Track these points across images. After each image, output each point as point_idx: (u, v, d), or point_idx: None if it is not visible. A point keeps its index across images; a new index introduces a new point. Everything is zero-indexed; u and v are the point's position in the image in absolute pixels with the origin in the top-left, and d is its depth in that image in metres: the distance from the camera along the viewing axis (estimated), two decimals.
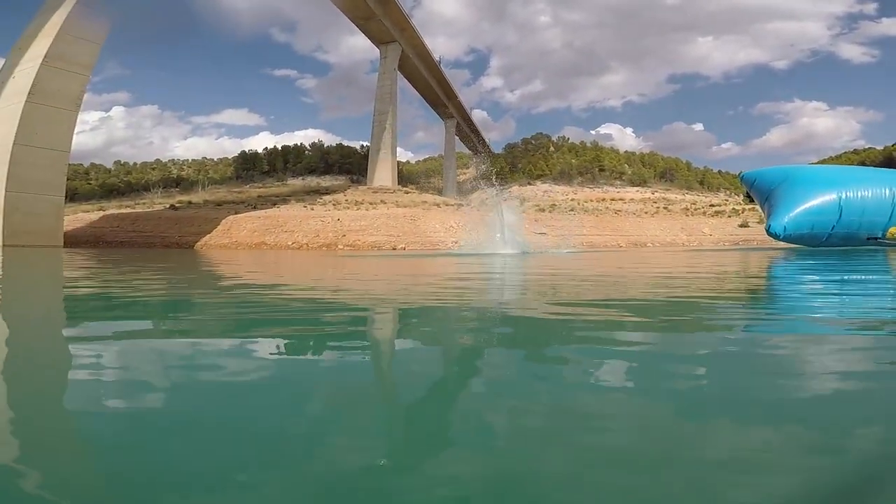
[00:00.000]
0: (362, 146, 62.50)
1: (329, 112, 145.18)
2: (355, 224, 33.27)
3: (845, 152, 65.82)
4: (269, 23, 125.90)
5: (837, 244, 8.76)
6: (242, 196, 44.64)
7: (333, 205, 38.58)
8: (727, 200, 40.78)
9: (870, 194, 8.79)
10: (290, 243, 29.89)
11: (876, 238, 8.64)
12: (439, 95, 60.57)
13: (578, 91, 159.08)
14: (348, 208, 37.50)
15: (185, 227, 34.14)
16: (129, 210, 40.93)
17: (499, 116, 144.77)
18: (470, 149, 77.16)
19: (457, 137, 69.85)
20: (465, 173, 74.06)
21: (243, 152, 66.19)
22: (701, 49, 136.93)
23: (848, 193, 8.85)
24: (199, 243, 31.17)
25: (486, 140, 78.14)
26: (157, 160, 71.47)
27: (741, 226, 34.02)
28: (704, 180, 51.37)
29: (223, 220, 34.51)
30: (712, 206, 40.08)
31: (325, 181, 55.04)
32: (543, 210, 43.20)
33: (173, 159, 73.90)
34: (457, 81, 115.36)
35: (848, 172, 10.96)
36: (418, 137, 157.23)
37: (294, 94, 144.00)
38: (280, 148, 65.10)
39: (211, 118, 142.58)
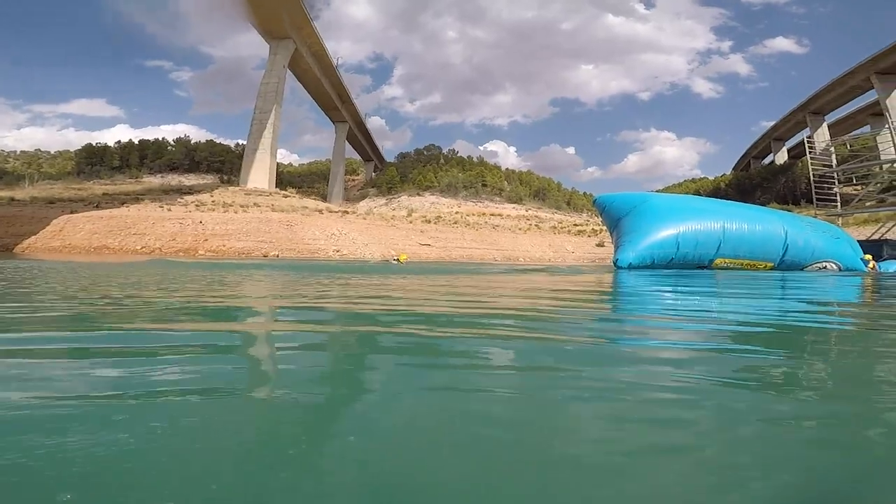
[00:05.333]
0: (238, 144, 59.85)
1: (204, 107, 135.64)
2: (221, 228, 32.10)
3: (685, 181, 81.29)
4: (147, 10, 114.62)
5: (675, 268, 10.80)
6: (83, 193, 40.00)
7: (196, 206, 36.63)
8: (588, 221, 47.44)
9: (702, 228, 10.88)
10: (139, 248, 27.89)
11: (703, 267, 10.97)
12: (332, 99, 60.54)
13: (473, 107, 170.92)
14: (214, 210, 35.92)
15: (3, 226, 29.80)
16: None
17: (396, 126, 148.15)
18: (361, 155, 77.78)
19: (348, 143, 70.13)
20: (353, 180, 74.54)
21: (89, 145, 59.34)
22: (582, 76, 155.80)
23: (684, 228, 10.79)
24: (20, 246, 27.52)
25: (380, 148, 79.66)
26: None
27: (598, 245, 40.03)
28: (571, 201, 58.69)
29: (55, 220, 30.80)
30: (576, 225, 46.38)
31: (190, 180, 51.63)
32: (429, 221, 45.82)
33: None
34: (356, 87, 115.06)
35: (685, 205, 12.51)
36: (306, 140, 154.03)
37: (165, 86, 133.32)
38: (137, 142, 59.41)
39: (58, 108, 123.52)
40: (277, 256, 28.84)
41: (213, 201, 38.39)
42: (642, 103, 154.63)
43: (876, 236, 19.23)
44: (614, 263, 10.81)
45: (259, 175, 46.15)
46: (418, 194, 55.65)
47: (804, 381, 1.41)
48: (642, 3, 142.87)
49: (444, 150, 68.80)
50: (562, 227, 46.24)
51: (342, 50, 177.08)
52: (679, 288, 5.71)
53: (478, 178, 56.76)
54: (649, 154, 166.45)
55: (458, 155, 66.16)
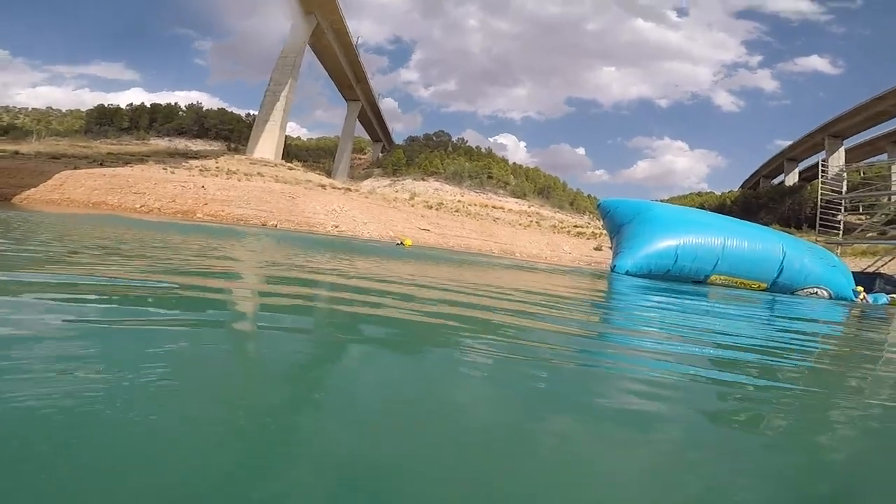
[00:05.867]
0: (248, 115, 59.96)
1: (220, 76, 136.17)
2: (222, 194, 32.47)
3: (691, 193, 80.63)
4: None
5: (671, 280, 10.71)
6: (88, 151, 40.35)
7: (200, 170, 36.96)
8: (589, 224, 47.43)
9: (703, 242, 10.82)
10: (137, 206, 28.30)
11: (699, 282, 10.93)
12: (348, 77, 60.62)
13: (487, 98, 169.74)
14: (217, 176, 36.28)
15: (3, 177, 30.25)
16: None
17: (408, 109, 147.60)
18: (370, 135, 77.75)
19: (358, 122, 70.21)
20: (360, 159, 74.67)
21: (100, 105, 59.77)
22: (603, 77, 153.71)
23: (684, 241, 10.73)
24: (18, 197, 27.98)
25: (391, 130, 79.65)
26: None
27: (595, 248, 40.11)
28: (575, 202, 58.64)
29: (56, 175, 31.19)
30: (576, 226, 46.38)
31: (197, 145, 51.92)
32: (431, 207, 46.01)
33: (7, 107, 63.94)
34: (373, 67, 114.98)
35: (689, 218, 12.36)
36: (317, 115, 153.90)
37: (186, 54, 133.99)
38: (149, 105, 59.64)
39: (76, 69, 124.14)
40: (276, 226, 29.23)
41: (217, 167, 38.72)
42: (660, 110, 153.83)
43: (871, 269, 19.05)
44: (612, 269, 10.82)
45: (266, 146, 46.48)
46: (423, 179, 55.75)
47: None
48: (675, 10, 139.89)
49: (454, 138, 68.76)
50: (562, 227, 46.34)
51: (363, 29, 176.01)
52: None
53: (484, 170, 56.77)
54: (660, 162, 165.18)
55: (467, 144, 66.14)
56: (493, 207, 49.04)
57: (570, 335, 2.34)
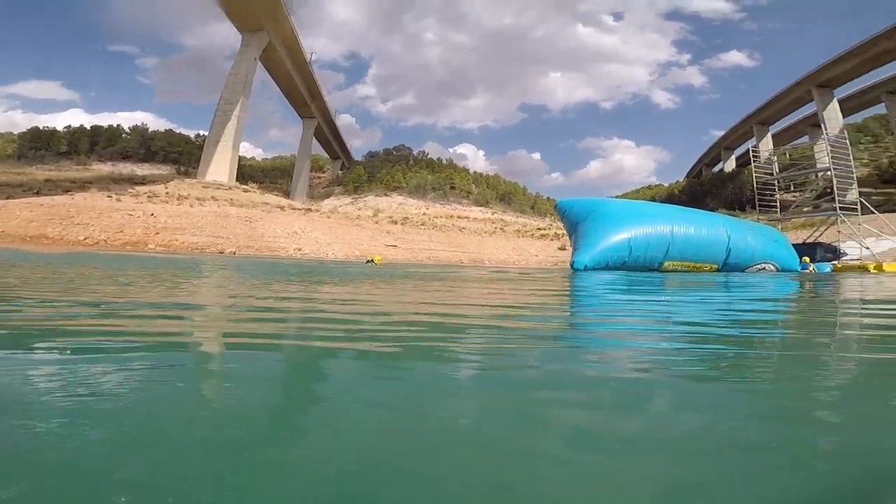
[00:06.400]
0: (198, 136, 58.18)
1: (167, 96, 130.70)
2: (174, 221, 31.11)
3: (642, 187, 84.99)
4: None
5: (628, 270, 11.34)
6: (22, 178, 37.86)
7: (149, 197, 35.36)
8: (551, 225, 48.48)
9: (653, 232, 11.43)
10: (81, 238, 26.67)
11: (653, 269, 11.55)
12: (303, 94, 59.93)
13: (446, 109, 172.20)
14: (168, 202, 34.78)
15: None
16: None
17: (367, 125, 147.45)
18: (328, 153, 76.91)
19: (316, 140, 69.35)
20: (319, 178, 73.59)
21: (35, 128, 56.35)
22: (550, 83, 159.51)
23: (636, 232, 11.33)
24: None
25: (349, 147, 79.03)
26: None
27: (560, 248, 41.01)
28: (535, 205, 60.01)
29: None
30: (539, 229, 47.34)
31: (143, 170, 49.79)
32: (396, 222, 45.79)
33: None
34: (329, 84, 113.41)
35: (638, 210, 13.09)
36: (272, 135, 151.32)
37: (128, 72, 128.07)
38: (89, 127, 56.77)
39: (6, 88, 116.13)
40: (234, 253, 28.21)
41: (167, 193, 37.14)
42: (605, 112, 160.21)
43: (811, 240, 20.63)
44: (571, 266, 11.22)
45: (219, 168, 45.02)
46: (385, 194, 55.54)
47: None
48: (611, 15, 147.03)
49: (415, 152, 69.15)
50: (526, 231, 47.15)
51: (318, 46, 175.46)
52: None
53: (446, 181, 57.20)
54: (610, 161, 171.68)
55: (428, 156, 66.59)
56: (459, 217, 49.35)
57: (550, 335, 2.39)
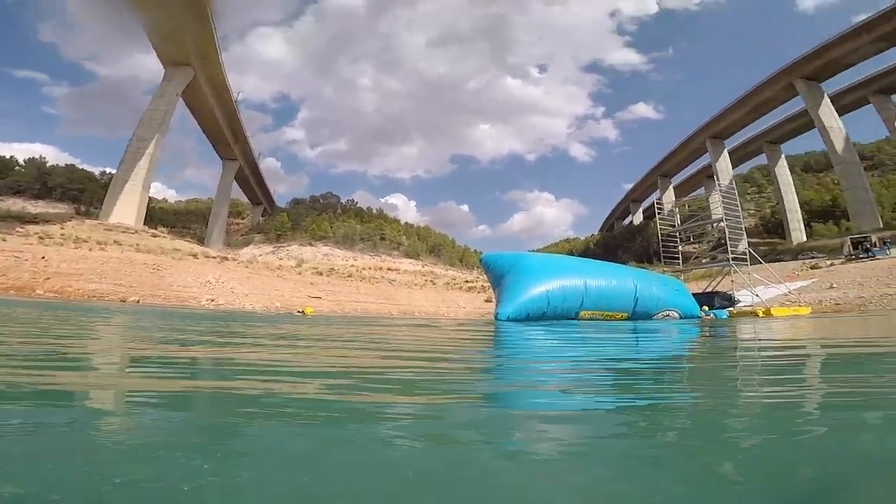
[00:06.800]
0: (104, 173, 54.12)
1: (74, 127, 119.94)
2: (69, 266, 28.07)
3: (560, 241, 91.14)
4: (37, 16, 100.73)
5: (547, 320, 11.80)
6: None
7: (40, 238, 31.75)
8: (478, 278, 49.96)
9: (568, 284, 12.29)
10: None
11: (571, 318, 12.25)
12: (225, 134, 57.99)
13: (379, 157, 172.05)
14: (63, 245, 31.40)
15: None
16: None
17: (293, 170, 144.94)
18: (249, 198, 74.25)
19: (236, 183, 66.72)
20: (237, 224, 70.44)
21: None
22: (479, 134, 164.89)
23: (554, 285, 12.10)
24: None
25: (272, 192, 76.94)
26: None
27: (486, 301, 42.22)
28: (464, 258, 61.62)
29: None
30: (467, 282, 48.57)
31: (37, 207, 44.91)
32: (321, 273, 44.62)
33: None
34: (254, 125, 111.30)
35: (554, 264, 13.93)
36: (187, 174, 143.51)
37: (33, 100, 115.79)
38: None
39: None
40: (138, 302, 25.82)
41: (62, 234, 33.57)
42: (529, 164, 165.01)
43: (709, 289, 22.46)
44: (495, 317, 11.71)
45: (125, 209, 41.65)
46: (310, 244, 54.33)
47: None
48: (537, 67, 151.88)
49: (343, 200, 68.93)
50: (454, 284, 48.13)
51: (246, 85, 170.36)
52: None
53: (377, 231, 57.37)
54: (532, 214, 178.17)
55: (357, 205, 66.70)
56: (389, 269, 49.32)
57: (478, 380, 2.64)
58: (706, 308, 16.64)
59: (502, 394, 2.14)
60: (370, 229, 57.68)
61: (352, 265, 49.34)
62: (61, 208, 46.17)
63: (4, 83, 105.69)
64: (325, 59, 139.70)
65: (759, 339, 5.95)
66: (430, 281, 48.32)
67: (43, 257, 28.28)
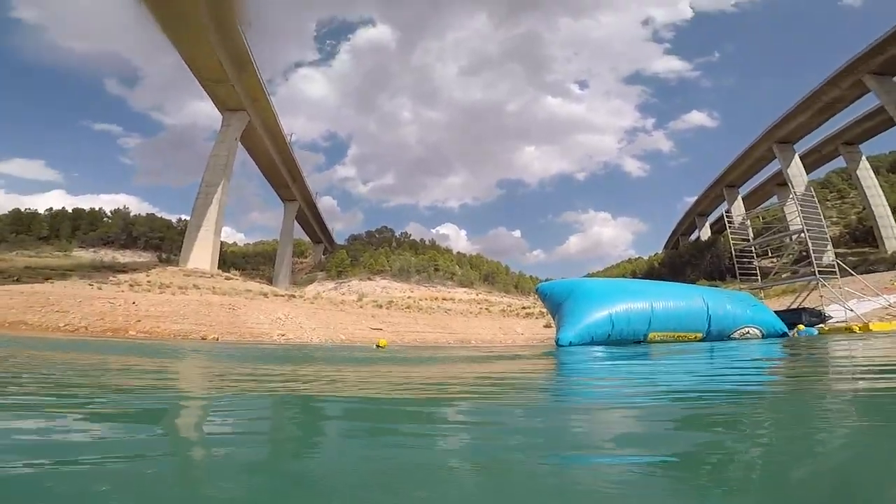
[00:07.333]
0: (180, 220, 59.15)
1: (148, 177, 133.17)
2: (156, 309, 30.92)
3: (621, 262, 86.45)
4: (105, 71, 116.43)
5: (613, 344, 11.65)
6: (2, 265, 37.53)
7: (130, 285, 35.23)
8: (535, 303, 49.37)
9: (632, 307, 12.19)
10: (61, 325, 26.23)
11: (639, 342, 12.13)
12: (283, 176, 61.11)
13: (426, 189, 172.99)
14: (150, 291, 34.67)
15: None
16: None
17: (348, 207, 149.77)
18: (310, 237, 78.23)
19: (297, 223, 70.35)
20: (301, 263, 74.24)
21: (16, 210, 56.44)
22: (525, 157, 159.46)
23: (617, 309, 12.02)
24: None
25: (331, 230, 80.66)
26: None
27: (545, 326, 41.65)
28: (519, 284, 61.38)
29: None
30: (524, 308, 48.25)
31: (125, 257, 49.89)
32: (381, 306, 46.07)
33: None
34: (308, 165, 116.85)
35: (615, 288, 13.80)
36: (253, 218, 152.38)
37: (111, 151, 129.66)
38: (71, 210, 57.34)
39: None
40: (217, 339, 27.91)
41: (149, 281, 37.10)
42: (579, 184, 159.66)
43: (794, 306, 20.67)
44: (556, 342, 11.62)
45: (201, 254, 45.19)
46: (369, 278, 56.13)
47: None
48: (577, 83, 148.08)
49: (397, 233, 71.06)
50: (511, 310, 47.91)
51: (297, 126, 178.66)
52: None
53: (430, 262, 58.50)
54: (588, 235, 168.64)
55: (411, 238, 68.45)
56: (444, 300, 49.99)
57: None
58: (800, 328, 15.52)
59: None
60: (424, 261, 58.91)
61: (409, 296, 50.46)
62: (146, 256, 51.00)
63: (85, 137, 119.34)
64: (366, 94, 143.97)
65: (854, 358, 5.49)
66: (486, 309, 48.41)
67: (133, 302, 31.36)
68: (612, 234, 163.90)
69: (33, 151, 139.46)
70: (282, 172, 60.49)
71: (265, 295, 42.17)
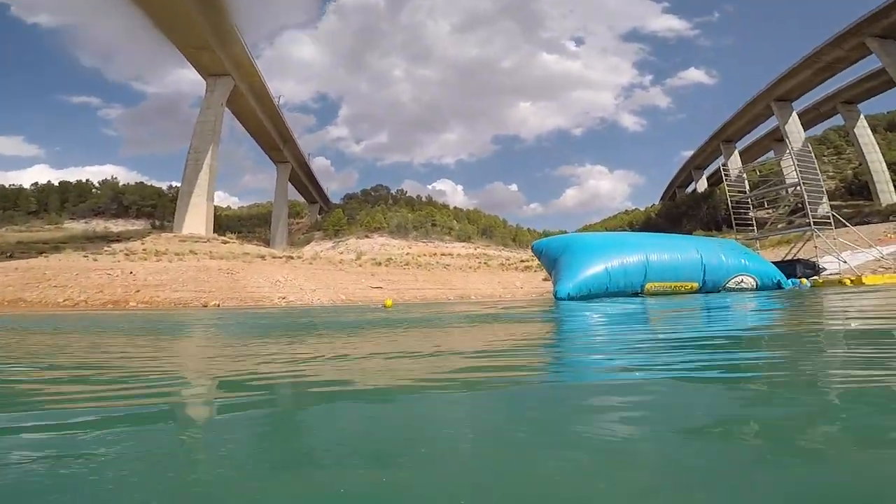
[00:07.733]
0: (171, 187, 58.47)
1: (135, 147, 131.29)
2: (154, 278, 31.01)
3: (619, 213, 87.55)
4: (77, 45, 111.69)
5: (611, 296, 11.85)
6: None
7: (126, 255, 35.20)
8: (533, 257, 49.73)
9: (630, 260, 12.32)
10: (60, 301, 26.39)
11: (636, 293, 12.32)
12: (274, 138, 60.25)
13: (421, 146, 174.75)
14: (146, 259, 34.66)
15: None
16: None
17: (342, 167, 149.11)
18: (305, 197, 77.60)
19: (291, 185, 69.65)
20: (297, 223, 73.96)
21: (1, 186, 55.69)
22: (521, 113, 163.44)
23: (612, 263, 12.13)
24: None
25: (326, 190, 79.93)
26: None
27: (544, 279, 42.05)
28: (517, 237, 61.46)
29: None
30: (522, 261, 48.47)
31: (117, 226, 49.58)
32: (380, 264, 46.23)
33: None
34: (300, 126, 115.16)
35: (610, 241, 13.93)
36: (246, 181, 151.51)
37: (92, 124, 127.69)
38: (57, 184, 56.51)
39: None
40: (218, 306, 28.17)
41: (144, 249, 37.02)
42: (576, 139, 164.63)
43: (789, 257, 21.02)
44: (554, 295, 11.74)
45: (195, 220, 44.93)
46: (367, 236, 56.14)
47: None
48: (573, 40, 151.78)
49: (393, 191, 70.47)
50: (510, 264, 48.23)
51: (286, 89, 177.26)
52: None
53: (427, 218, 58.32)
54: (585, 188, 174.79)
55: (407, 195, 67.93)
56: (442, 255, 50.20)
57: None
58: (803, 281, 15.55)
59: None
60: (421, 217, 58.73)
61: (407, 253, 50.62)
62: (139, 224, 50.74)
63: (63, 110, 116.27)
64: (356, 54, 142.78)
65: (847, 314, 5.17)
66: (484, 263, 48.72)
67: (131, 272, 31.40)
68: (609, 187, 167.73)
69: (9, 128, 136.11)
70: (272, 135, 59.46)
71: (263, 257, 42.25)
